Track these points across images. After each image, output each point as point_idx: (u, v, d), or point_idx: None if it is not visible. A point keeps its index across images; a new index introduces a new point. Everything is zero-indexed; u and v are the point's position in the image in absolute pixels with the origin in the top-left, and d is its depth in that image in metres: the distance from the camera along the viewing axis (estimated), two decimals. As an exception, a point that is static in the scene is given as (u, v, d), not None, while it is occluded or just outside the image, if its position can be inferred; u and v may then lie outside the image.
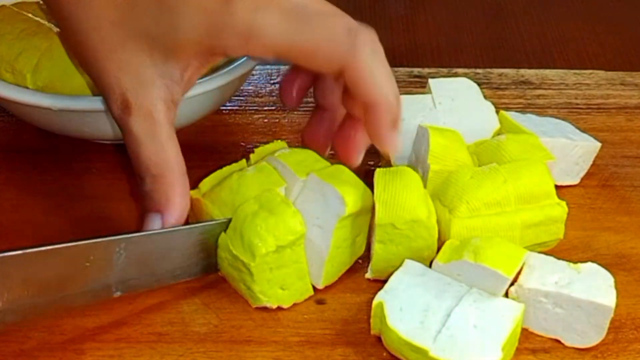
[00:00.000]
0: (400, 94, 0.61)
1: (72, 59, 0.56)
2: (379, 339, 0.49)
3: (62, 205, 0.57)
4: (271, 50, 0.45)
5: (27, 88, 0.56)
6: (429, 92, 0.60)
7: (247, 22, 0.45)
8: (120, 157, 0.60)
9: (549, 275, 0.48)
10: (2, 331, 0.49)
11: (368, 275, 0.52)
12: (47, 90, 0.56)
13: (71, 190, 0.58)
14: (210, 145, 0.61)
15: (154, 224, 0.48)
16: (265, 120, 0.62)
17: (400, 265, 0.49)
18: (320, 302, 0.51)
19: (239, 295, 0.51)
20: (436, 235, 0.50)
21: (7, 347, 0.48)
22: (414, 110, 0.58)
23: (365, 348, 0.49)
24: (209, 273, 0.51)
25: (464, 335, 0.45)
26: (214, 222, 0.50)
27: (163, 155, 0.47)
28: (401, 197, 0.49)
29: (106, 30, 0.47)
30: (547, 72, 0.69)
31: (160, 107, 0.47)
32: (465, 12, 0.80)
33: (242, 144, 0.62)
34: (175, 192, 0.48)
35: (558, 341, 0.49)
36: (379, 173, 0.51)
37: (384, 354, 0.48)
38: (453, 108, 0.59)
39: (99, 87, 0.49)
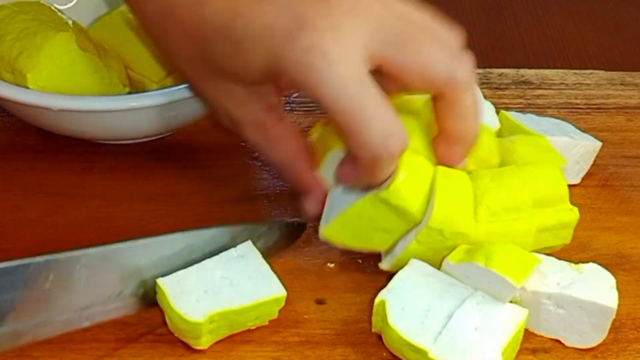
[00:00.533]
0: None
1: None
2: (379, 338, 0.49)
3: (62, 205, 0.57)
4: (320, 103, 0.46)
5: (27, 88, 0.56)
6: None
7: (303, 75, 0.45)
8: (120, 157, 0.60)
9: (551, 276, 0.48)
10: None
11: (383, 265, 0.51)
12: (47, 90, 0.56)
13: (71, 190, 0.58)
14: (211, 145, 0.61)
15: (309, 203, 0.52)
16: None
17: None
18: (320, 302, 0.51)
19: (239, 295, 0.51)
20: (459, 246, 0.49)
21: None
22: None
23: (365, 348, 0.49)
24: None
25: (464, 337, 0.45)
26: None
27: (279, 153, 0.52)
28: (459, 206, 0.48)
29: (195, 64, 0.50)
30: (547, 72, 0.69)
31: (263, 117, 0.51)
32: (465, 12, 0.80)
33: (242, 144, 0.62)
34: (305, 177, 0.52)
35: (558, 341, 0.49)
36: (441, 174, 0.49)
37: (384, 354, 0.48)
38: None
39: (207, 105, 0.53)
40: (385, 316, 0.46)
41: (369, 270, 0.53)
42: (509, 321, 0.46)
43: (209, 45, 0.48)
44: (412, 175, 0.48)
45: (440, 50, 0.47)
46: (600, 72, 0.69)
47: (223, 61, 0.48)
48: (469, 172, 0.51)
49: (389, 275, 0.52)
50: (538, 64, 0.73)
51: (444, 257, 0.49)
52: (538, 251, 0.51)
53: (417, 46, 0.46)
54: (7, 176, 0.59)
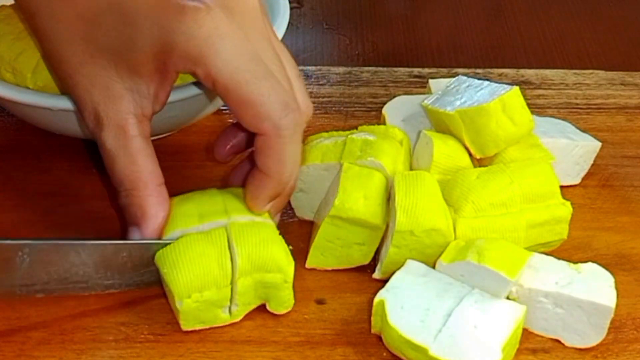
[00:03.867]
0: (401, 94, 0.62)
1: (50, 72, 0.56)
2: (379, 338, 0.49)
3: (62, 205, 0.57)
4: (213, 82, 0.46)
5: (27, 88, 0.56)
6: (429, 92, 0.60)
7: (198, 48, 0.45)
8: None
9: (550, 275, 0.48)
10: (2, 330, 0.49)
11: (375, 275, 0.52)
12: (47, 90, 0.56)
13: (71, 190, 0.58)
14: (211, 145, 0.61)
15: (134, 235, 0.49)
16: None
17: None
18: (320, 302, 0.51)
19: (239, 295, 0.51)
20: (449, 244, 0.50)
21: (7, 347, 0.48)
22: (419, 112, 0.58)
23: (365, 348, 0.49)
24: (144, 287, 0.51)
25: (464, 335, 0.45)
26: (140, 242, 0.49)
27: (135, 168, 0.48)
28: (422, 204, 0.49)
29: (77, 45, 0.47)
30: (547, 72, 0.69)
31: (131, 121, 0.47)
32: (465, 12, 0.80)
33: (242, 144, 0.62)
34: (149, 205, 0.48)
35: (558, 341, 0.49)
36: (399, 177, 0.51)
37: (384, 354, 0.48)
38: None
39: (74, 101, 0.49)
40: (385, 315, 0.46)
41: (369, 270, 0.53)
42: (507, 318, 0.46)
43: (98, 21, 0.46)
44: (353, 186, 0.50)
45: (274, 95, 0.46)
46: (600, 72, 0.69)
47: (110, 37, 0.46)
48: (458, 171, 0.52)
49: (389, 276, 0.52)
50: (538, 64, 0.73)
51: (432, 256, 0.50)
52: (535, 248, 0.51)
53: (255, 85, 0.46)
54: (7, 176, 0.59)
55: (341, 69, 0.69)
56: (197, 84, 0.53)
